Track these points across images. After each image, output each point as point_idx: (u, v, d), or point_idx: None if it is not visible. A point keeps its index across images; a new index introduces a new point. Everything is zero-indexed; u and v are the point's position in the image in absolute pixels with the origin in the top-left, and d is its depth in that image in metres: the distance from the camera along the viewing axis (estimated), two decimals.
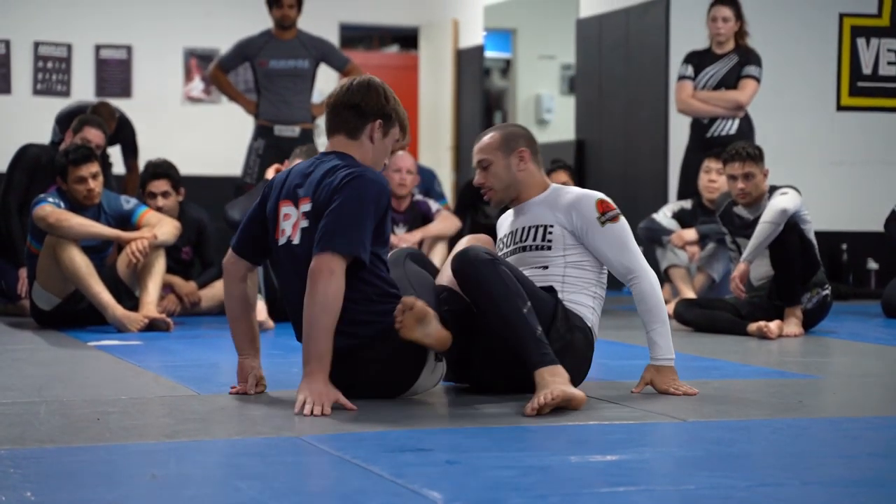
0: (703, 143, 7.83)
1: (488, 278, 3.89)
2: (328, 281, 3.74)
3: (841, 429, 3.66)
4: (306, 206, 3.90)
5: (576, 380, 4.03)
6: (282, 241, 3.95)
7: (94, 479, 2.89)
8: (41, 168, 7.14)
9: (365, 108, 3.96)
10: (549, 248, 4.23)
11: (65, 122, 8.06)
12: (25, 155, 7.25)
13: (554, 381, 3.79)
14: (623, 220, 4.23)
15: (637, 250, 4.22)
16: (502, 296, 3.86)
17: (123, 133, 8.36)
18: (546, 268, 4.22)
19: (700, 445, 3.38)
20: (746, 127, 7.85)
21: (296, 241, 3.91)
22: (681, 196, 7.96)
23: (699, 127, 7.91)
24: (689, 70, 7.91)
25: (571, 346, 4.06)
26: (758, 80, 7.82)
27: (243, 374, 4.10)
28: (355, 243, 3.78)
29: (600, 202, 4.22)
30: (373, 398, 3.93)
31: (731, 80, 7.82)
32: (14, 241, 7.09)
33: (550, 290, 4.14)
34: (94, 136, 7.10)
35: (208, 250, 7.22)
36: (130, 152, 8.46)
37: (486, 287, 3.89)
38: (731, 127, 7.83)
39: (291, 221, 3.93)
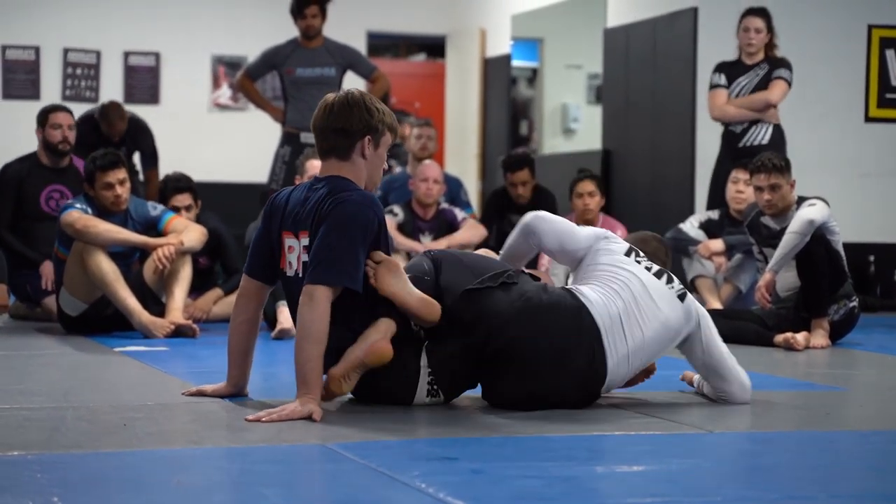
0: (735, 153, 7.77)
1: None
2: (309, 309, 3.75)
3: (869, 442, 3.64)
4: (306, 240, 3.90)
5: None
6: (289, 272, 3.97)
7: (120, 485, 2.90)
8: (25, 179, 7.17)
9: (350, 129, 3.92)
10: None
11: (77, 128, 8.13)
12: (4, 176, 7.27)
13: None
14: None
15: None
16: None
17: (142, 140, 8.37)
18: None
19: (727, 457, 3.37)
20: (778, 137, 7.79)
21: (301, 273, 3.92)
22: (710, 206, 7.92)
23: (731, 137, 7.86)
24: (723, 79, 7.88)
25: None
26: (789, 82, 7.77)
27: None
28: (339, 272, 3.79)
29: None
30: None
31: (763, 90, 7.78)
32: (18, 251, 7.11)
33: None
34: (62, 118, 7.16)
35: (230, 257, 7.22)
36: (150, 161, 8.45)
37: None
38: (764, 136, 7.78)
39: (295, 254, 3.94)
